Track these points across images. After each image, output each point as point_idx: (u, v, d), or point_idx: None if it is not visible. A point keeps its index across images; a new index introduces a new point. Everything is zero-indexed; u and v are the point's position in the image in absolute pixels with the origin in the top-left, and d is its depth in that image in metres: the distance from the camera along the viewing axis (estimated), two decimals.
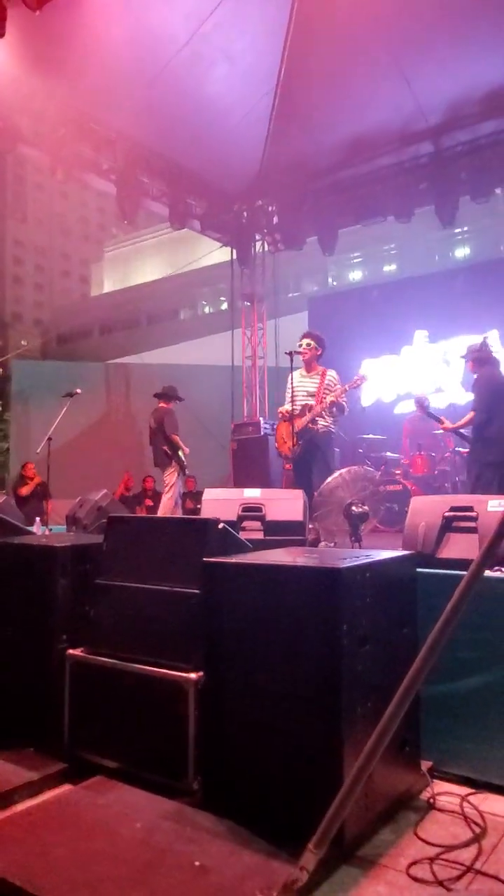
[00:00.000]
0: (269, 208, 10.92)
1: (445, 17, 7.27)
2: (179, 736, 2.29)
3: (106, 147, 8.65)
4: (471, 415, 6.17)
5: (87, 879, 1.79)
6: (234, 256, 11.19)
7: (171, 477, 7.63)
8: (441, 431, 7.37)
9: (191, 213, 9.98)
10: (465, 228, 31.13)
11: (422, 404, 6.20)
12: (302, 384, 5.88)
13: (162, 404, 7.84)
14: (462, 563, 2.33)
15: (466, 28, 7.35)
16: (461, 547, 2.87)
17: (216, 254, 12.39)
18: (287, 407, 5.80)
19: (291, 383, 5.86)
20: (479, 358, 6.24)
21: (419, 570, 2.54)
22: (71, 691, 2.62)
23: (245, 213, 10.87)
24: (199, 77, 8.01)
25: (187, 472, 7.83)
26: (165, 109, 8.23)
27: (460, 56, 7.73)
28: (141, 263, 42.69)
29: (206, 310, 37.00)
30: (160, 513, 7.85)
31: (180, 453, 7.57)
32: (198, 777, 2.25)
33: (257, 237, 11.22)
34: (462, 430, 6.31)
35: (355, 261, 34.54)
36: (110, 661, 2.53)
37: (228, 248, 11.25)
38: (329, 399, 5.67)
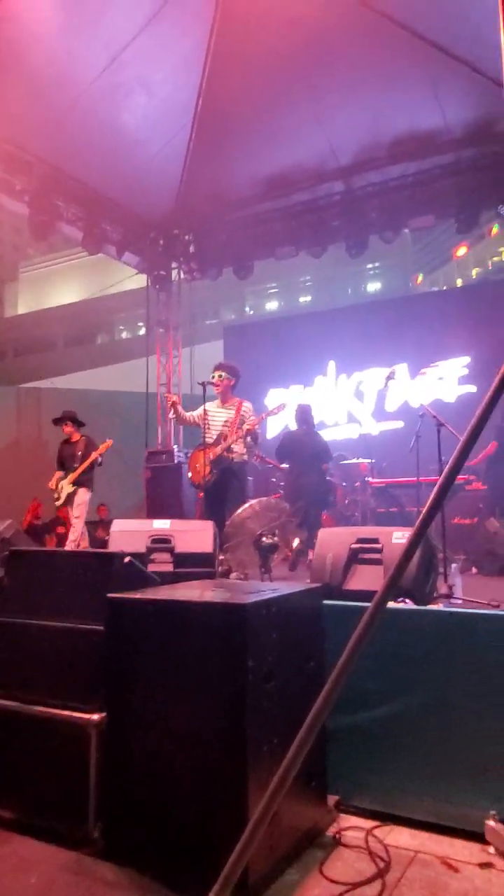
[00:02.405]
0: (186, 237, 11.00)
1: (357, 65, 7.61)
2: (80, 781, 2.19)
3: (20, 168, 8.49)
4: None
5: None
6: (150, 283, 11.18)
7: None
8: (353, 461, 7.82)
9: (106, 238, 9.91)
10: (377, 264, 32.37)
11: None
12: (217, 414, 5.90)
13: None
14: (368, 595, 2.35)
15: (377, 77, 7.71)
16: (367, 578, 2.91)
17: (134, 278, 12.35)
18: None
19: (205, 414, 5.87)
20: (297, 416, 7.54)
21: (325, 601, 2.55)
22: None
23: (161, 241, 10.90)
24: (117, 104, 8.04)
25: (57, 503, 7.51)
26: (83, 135, 8.19)
27: (370, 102, 8.10)
28: (57, 285, 41.93)
29: (124, 335, 36.67)
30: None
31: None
32: (98, 824, 2.16)
33: (174, 265, 11.26)
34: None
35: (271, 291, 35.20)
36: (7, 702, 2.40)
37: (145, 275, 11.24)
38: (245, 427, 5.70)
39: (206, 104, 8.38)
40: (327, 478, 7.41)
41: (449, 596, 3.66)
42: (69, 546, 7.23)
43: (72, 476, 7.26)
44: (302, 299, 34.63)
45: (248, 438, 5.76)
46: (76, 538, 7.29)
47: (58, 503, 7.42)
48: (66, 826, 2.19)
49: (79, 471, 7.25)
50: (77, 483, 7.29)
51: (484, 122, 8.28)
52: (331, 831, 2.33)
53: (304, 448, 7.15)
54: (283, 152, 8.94)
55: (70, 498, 7.32)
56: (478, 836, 2.24)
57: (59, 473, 7.43)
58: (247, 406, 5.91)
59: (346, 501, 8.05)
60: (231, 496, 5.54)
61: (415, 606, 2.78)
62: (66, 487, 7.29)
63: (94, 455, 7.23)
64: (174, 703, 2.05)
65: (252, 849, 1.71)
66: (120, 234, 10.11)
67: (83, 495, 7.35)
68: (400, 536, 2.92)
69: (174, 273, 11.33)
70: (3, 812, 2.33)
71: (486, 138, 8.46)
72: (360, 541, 3.05)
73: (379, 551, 2.96)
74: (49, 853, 2.12)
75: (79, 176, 9.06)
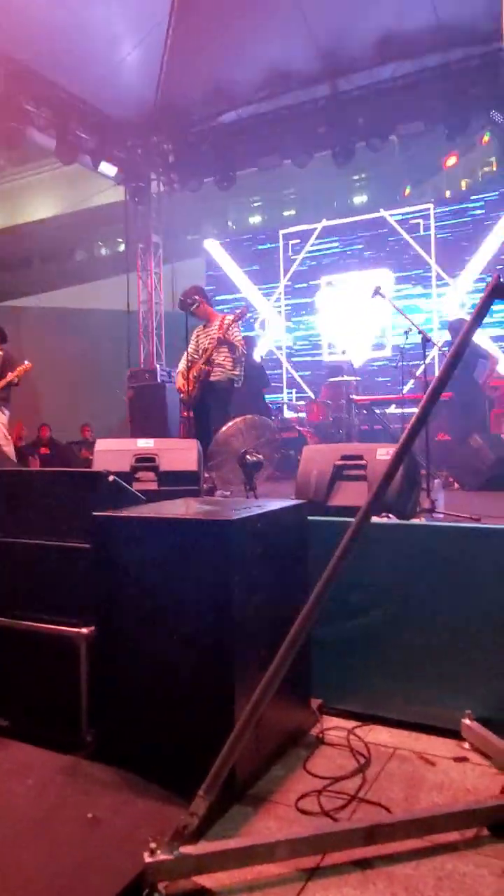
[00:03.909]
0: (165, 146, 10.51)
1: None
2: (72, 690, 2.27)
3: None
4: None
5: None
6: (129, 196, 10.77)
7: None
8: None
9: (81, 146, 9.45)
10: (363, 176, 31.28)
11: None
12: (204, 335, 5.89)
13: None
14: (352, 510, 2.39)
15: None
16: (351, 494, 2.95)
17: (113, 191, 11.86)
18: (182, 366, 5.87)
19: (196, 338, 5.88)
20: None
21: (310, 517, 2.59)
22: None
23: (139, 150, 10.42)
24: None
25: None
26: (52, 31, 7.65)
27: None
28: (32, 199, 40.21)
29: (103, 251, 35.55)
30: None
31: None
32: (91, 729, 2.25)
33: (153, 176, 10.81)
34: None
35: (255, 205, 34.08)
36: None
37: (124, 187, 10.82)
38: (216, 336, 5.66)
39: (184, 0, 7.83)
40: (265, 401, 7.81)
41: (431, 511, 3.73)
42: None
43: None
44: (286, 213, 33.59)
45: (225, 349, 5.70)
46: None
47: None
48: (60, 732, 2.28)
49: None
50: None
51: (478, 22, 7.82)
52: (314, 732, 2.44)
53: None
54: (265, 52, 8.45)
55: None
56: (454, 734, 2.36)
57: None
58: (228, 318, 5.84)
59: (331, 419, 8.06)
60: (214, 413, 5.55)
61: (397, 521, 2.83)
62: None
63: (10, 376, 6.61)
64: (161, 617, 2.10)
65: (239, 748, 1.79)
66: (95, 142, 9.63)
67: (1, 417, 6.74)
68: (384, 453, 2.94)
69: (154, 185, 10.90)
70: (0, 721, 2.41)
71: (480, 38, 8.01)
72: (344, 457, 3.06)
73: (363, 468, 2.99)
74: (45, 757, 2.21)
75: (49, 76, 8.54)
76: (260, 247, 11.98)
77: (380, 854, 1.72)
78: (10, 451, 6.88)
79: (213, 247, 12.28)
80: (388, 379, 9.45)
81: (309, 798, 2.00)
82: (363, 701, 2.57)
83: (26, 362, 6.76)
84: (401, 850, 1.74)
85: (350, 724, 2.50)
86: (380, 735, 2.43)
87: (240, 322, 5.80)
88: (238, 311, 5.82)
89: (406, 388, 7.12)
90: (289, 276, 11.45)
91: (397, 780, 2.11)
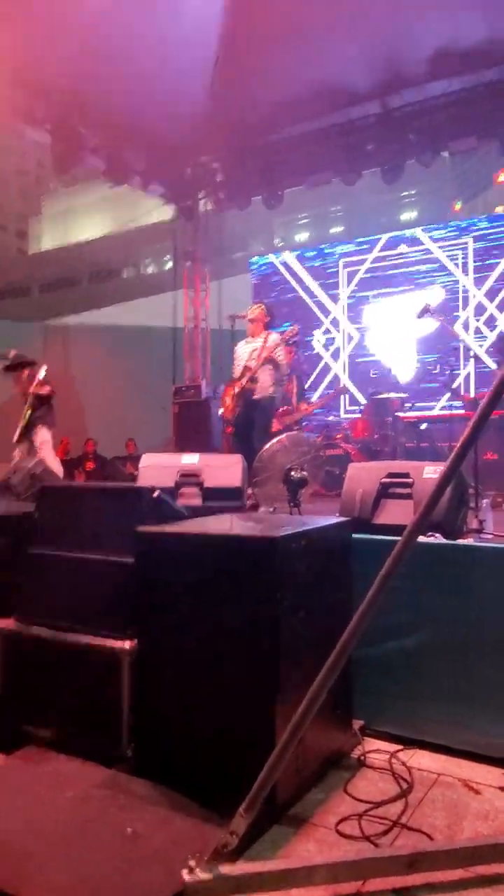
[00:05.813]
0: (213, 165, 10.66)
1: None
2: (113, 704, 2.27)
3: (39, 94, 8.23)
4: None
5: (16, 851, 1.77)
6: (177, 215, 10.95)
7: None
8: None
9: (131, 167, 9.66)
10: (413, 191, 31.17)
11: None
12: (245, 349, 5.90)
13: None
14: (397, 529, 2.35)
15: None
16: (397, 513, 2.91)
17: (160, 210, 12.08)
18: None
19: (237, 353, 5.92)
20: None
21: (355, 535, 2.56)
22: (1, 662, 2.57)
23: (188, 170, 10.59)
24: (138, 21, 7.67)
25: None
26: (103, 55, 7.85)
27: (408, 12, 7.60)
28: (82, 219, 41.24)
29: (150, 269, 36.16)
30: None
31: None
32: (132, 744, 2.25)
33: (201, 195, 10.97)
34: None
35: (302, 221, 34.24)
36: (42, 631, 2.48)
37: (172, 206, 11.01)
38: (263, 355, 5.66)
39: (234, 19, 7.94)
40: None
41: (479, 531, 3.64)
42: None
43: (25, 413, 6.80)
44: (333, 230, 33.64)
45: (270, 368, 5.71)
46: None
47: (14, 440, 6.92)
48: (100, 745, 2.29)
49: (27, 409, 6.78)
50: (31, 421, 6.82)
51: None
52: (355, 754, 2.40)
53: None
54: (315, 70, 8.47)
55: (25, 435, 6.85)
56: (499, 762, 2.29)
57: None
58: (273, 336, 5.85)
59: (376, 436, 7.98)
60: (256, 431, 5.56)
61: (445, 541, 2.77)
62: (21, 424, 6.84)
63: (39, 388, 6.78)
64: (203, 633, 2.10)
65: (280, 768, 1.78)
66: (145, 163, 9.83)
67: (42, 434, 6.91)
68: (431, 471, 2.89)
69: (201, 204, 11.05)
70: (42, 731, 2.43)
71: None
72: (390, 475, 3.03)
73: (409, 486, 2.94)
74: (85, 769, 2.22)
75: (100, 100, 8.74)
76: (307, 263, 12.01)
77: (422, 883, 1.68)
78: (57, 467, 7.07)
79: (285, 260, 12.22)
80: (433, 384, 9.33)
81: (350, 822, 1.97)
82: (406, 724, 2.51)
83: (44, 366, 6.90)
84: (443, 879, 1.69)
85: (392, 747, 2.45)
86: (423, 760, 2.38)
87: (287, 342, 5.81)
88: (286, 332, 5.84)
89: (441, 400, 6.96)
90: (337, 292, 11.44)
91: (440, 808, 2.06)
